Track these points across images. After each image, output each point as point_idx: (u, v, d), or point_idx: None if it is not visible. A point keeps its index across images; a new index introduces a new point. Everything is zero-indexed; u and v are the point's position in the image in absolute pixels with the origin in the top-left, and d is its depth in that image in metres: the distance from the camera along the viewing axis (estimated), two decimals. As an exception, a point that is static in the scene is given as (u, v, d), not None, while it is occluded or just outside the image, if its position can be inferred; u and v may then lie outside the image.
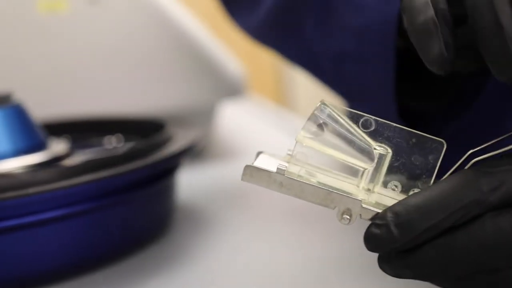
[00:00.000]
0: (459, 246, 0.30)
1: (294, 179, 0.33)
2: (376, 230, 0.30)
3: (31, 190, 0.42)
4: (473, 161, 0.32)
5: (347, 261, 0.47)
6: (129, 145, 0.59)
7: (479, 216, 0.30)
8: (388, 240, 0.30)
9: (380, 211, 0.31)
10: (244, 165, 0.33)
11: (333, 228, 0.54)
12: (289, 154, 0.36)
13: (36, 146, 0.51)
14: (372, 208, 0.32)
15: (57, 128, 0.63)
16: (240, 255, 0.50)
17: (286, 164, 0.33)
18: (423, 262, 0.30)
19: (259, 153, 0.37)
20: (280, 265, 0.47)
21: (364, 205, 0.32)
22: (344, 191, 0.33)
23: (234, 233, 0.54)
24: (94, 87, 0.72)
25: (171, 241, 0.53)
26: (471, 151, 0.32)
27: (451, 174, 0.32)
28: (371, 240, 0.31)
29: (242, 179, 0.33)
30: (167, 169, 0.52)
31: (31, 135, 0.52)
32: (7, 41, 0.72)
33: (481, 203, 0.29)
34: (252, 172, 0.33)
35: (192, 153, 0.53)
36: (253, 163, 0.34)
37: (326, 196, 0.32)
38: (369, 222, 0.32)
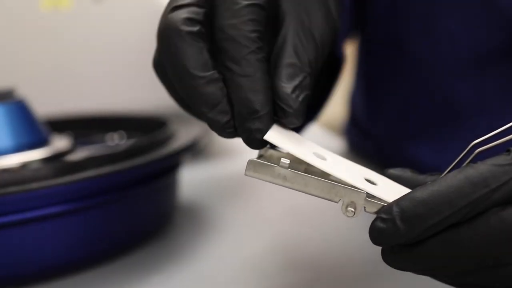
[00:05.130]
0: (464, 241, 0.30)
1: (298, 173, 0.32)
2: (381, 224, 0.30)
3: (33, 185, 0.42)
4: (476, 151, 0.32)
5: (348, 259, 0.47)
6: (131, 142, 0.60)
7: (484, 211, 0.30)
8: (393, 234, 0.30)
9: (385, 204, 0.31)
10: (247, 160, 0.33)
11: (333, 226, 0.54)
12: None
13: (38, 142, 0.51)
14: (377, 201, 0.32)
15: (60, 124, 0.63)
16: (241, 252, 0.50)
17: (288, 161, 0.33)
18: (427, 256, 0.30)
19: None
20: (280, 262, 0.47)
21: (368, 198, 0.32)
22: (348, 184, 0.32)
23: (235, 230, 0.55)
24: (97, 84, 0.72)
25: (173, 237, 0.53)
26: (474, 142, 0.32)
27: (455, 165, 0.32)
28: (376, 234, 0.30)
29: (245, 174, 0.33)
30: (169, 166, 0.52)
31: (33, 131, 0.52)
32: (11, 38, 0.72)
33: (487, 199, 0.29)
34: (255, 167, 0.32)
35: (194, 150, 0.53)
36: (267, 145, 0.33)
37: (330, 189, 0.32)
38: (372, 216, 0.31)
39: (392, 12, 0.61)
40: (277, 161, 0.32)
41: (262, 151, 0.36)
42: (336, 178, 0.32)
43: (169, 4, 0.36)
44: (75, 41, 0.73)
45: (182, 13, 0.35)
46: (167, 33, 0.35)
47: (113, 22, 0.73)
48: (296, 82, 0.34)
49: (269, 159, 0.35)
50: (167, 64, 0.35)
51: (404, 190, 0.34)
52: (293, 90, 0.34)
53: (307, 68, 0.35)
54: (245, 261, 0.48)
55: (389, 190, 0.33)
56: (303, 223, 0.56)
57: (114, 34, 0.73)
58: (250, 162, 0.32)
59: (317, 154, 0.34)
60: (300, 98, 0.34)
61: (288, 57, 0.35)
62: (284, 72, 0.34)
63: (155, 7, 0.73)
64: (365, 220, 0.32)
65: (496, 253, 0.30)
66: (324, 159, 0.34)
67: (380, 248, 0.32)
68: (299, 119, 0.34)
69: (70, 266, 0.46)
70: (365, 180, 0.33)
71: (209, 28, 0.35)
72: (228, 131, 0.34)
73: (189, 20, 0.34)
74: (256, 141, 0.34)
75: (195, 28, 0.34)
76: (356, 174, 0.34)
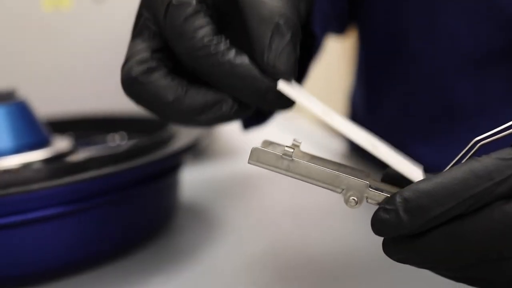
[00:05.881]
0: (467, 234, 0.29)
1: (301, 161, 0.32)
2: (384, 215, 0.30)
3: (34, 186, 0.42)
4: (479, 144, 0.32)
5: (348, 259, 0.47)
6: (133, 142, 0.60)
7: (488, 204, 0.30)
8: (396, 225, 0.30)
9: (388, 195, 0.31)
10: (251, 148, 0.32)
11: (333, 226, 0.54)
12: (294, 144, 0.36)
13: (39, 142, 0.52)
14: (380, 192, 0.31)
15: (61, 125, 0.63)
16: (241, 252, 0.50)
17: (292, 149, 0.33)
18: (429, 248, 0.30)
19: (265, 141, 0.37)
20: (281, 262, 0.47)
21: (371, 188, 0.32)
22: (351, 174, 0.32)
23: (235, 230, 0.55)
24: (98, 85, 0.72)
25: (174, 238, 0.53)
26: (476, 138, 0.32)
27: (458, 160, 0.32)
28: (378, 225, 0.30)
29: (248, 162, 0.32)
30: (170, 167, 0.52)
31: (34, 131, 0.52)
32: (12, 39, 0.72)
33: (491, 192, 0.29)
34: (259, 155, 0.32)
35: (195, 151, 0.53)
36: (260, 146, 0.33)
37: (334, 179, 0.32)
38: (374, 208, 0.31)
39: (392, 8, 0.61)
40: (280, 152, 0.32)
41: (265, 143, 0.36)
42: (343, 132, 0.32)
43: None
44: (76, 42, 0.73)
45: (132, 62, 0.36)
46: (127, 87, 0.36)
47: (113, 22, 0.73)
48: (266, 40, 0.34)
49: (272, 149, 0.35)
50: (147, 108, 0.36)
51: (405, 161, 0.33)
52: (268, 48, 0.34)
53: (277, 16, 0.34)
54: (246, 261, 0.48)
55: (394, 156, 0.33)
56: (303, 223, 0.56)
57: (115, 34, 0.73)
58: (254, 150, 0.32)
59: (325, 111, 0.33)
60: (279, 51, 0.34)
61: (252, 20, 0.35)
62: (256, 40, 0.34)
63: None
64: (366, 220, 0.32)
65: (499, 247, 0.29)
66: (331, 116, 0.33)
67: (380, 248, 0.32)
68: (289, 73, 0.34)
69: (71, 267, 0.46)
70: (371, 144, 0.33)
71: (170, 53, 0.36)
72: (235, 115, 0.35)
73: (139, 63, 0.36)
74: (284, 102, 0.34)
75: (146, 66, 0.35)
76: (363, 136, 0.34)
